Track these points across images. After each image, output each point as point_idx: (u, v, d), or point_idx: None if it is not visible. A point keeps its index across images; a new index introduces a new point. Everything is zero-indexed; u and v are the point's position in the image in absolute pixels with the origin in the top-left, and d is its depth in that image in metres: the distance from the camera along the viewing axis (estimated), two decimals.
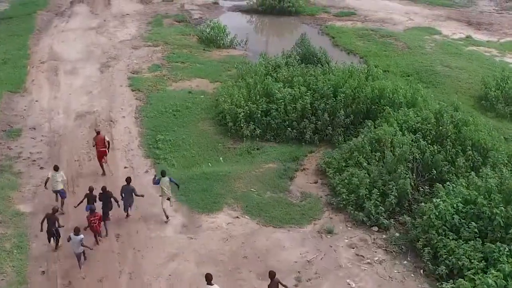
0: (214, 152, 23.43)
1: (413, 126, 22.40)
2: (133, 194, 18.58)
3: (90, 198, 18.10)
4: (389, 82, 26.25)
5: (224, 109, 25.36)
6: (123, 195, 18.53)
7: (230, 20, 40.29)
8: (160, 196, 19.04)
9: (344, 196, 19.90)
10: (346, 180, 20.39)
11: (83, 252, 16.70)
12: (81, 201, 18.14)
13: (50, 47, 33.60)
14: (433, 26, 40.03)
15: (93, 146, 21.28)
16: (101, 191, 18.19)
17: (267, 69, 28.74)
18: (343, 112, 24.18)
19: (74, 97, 27.24)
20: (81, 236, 16.39)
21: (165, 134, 24.11)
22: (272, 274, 15.01)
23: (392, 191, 19.39)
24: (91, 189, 18.31)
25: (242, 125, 24.45)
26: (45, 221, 17.02)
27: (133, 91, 28.11)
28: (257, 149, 23.69)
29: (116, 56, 32.54)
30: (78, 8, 41.65)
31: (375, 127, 23.17)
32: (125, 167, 21.80)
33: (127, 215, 18.93)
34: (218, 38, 35.25)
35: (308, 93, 24.91)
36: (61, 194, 19.08)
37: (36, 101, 26.79)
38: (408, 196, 19.74)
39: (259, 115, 24.57)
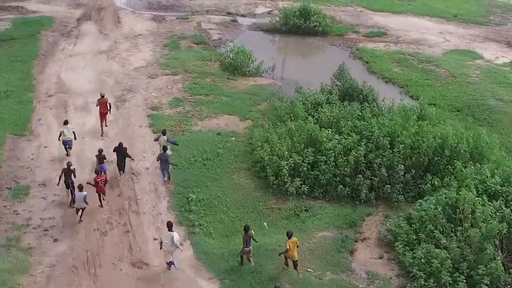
0: (256, 215, 20.08)
1: (492, 188, 19.14)
2: (168, 161, 21.00)
3: (100, 158, 20.65)
4: (450, 127, 22.99)
5: (263, 159, 22.01)
6: (159, 161, 21.04)
7: (252, 41, 36.93)
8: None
9: (422, 282, 16.56)
10: (422, 260, 17.06)
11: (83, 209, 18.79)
12: (96, 163, 20.73)
13: (58, 76, 30.04)
14: (473, 49, 36.76)
15: (97, 106, 24.40)
16: (117, 145, 21.22)
17: (306, 106, 25.45)
18: (402, 166, 20.89)
19: (88, 141, 23.75)
20: (85, 193, 18.61)
21: (197, 192, 20.72)
22: (246, 228, 17.05)
23: (482, 279, 16.11)
24: (100, 151, 20.76)
25: (286, 180, 21.11)
26: (62, 175, 19.49)
27: (154, 133, 24.66)
28: (306, 210, 20.37)
29: (132, 87, 29.04)
30: (86, 27, 38.07)
31: (442, 186, 20.01)
32: (154, 239, 18.34)
33: (165, 181, 21.09)
34: (243, 64, 31.84)
35: (361, 142, 21.61)
36: (68, 144, 22.26)
37: (45, 147, 23.27)
38: (500, 283, 16.49)
39: (305, 168, 21.25)
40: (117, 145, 21.22)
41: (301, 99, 26.04)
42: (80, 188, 18.58)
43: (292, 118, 24.52)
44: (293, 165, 21.33)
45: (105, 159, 20.75)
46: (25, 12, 40.18)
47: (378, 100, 26.23)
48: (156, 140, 22.35)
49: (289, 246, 16.58)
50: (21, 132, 24.24)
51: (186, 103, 27.63)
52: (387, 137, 21.70)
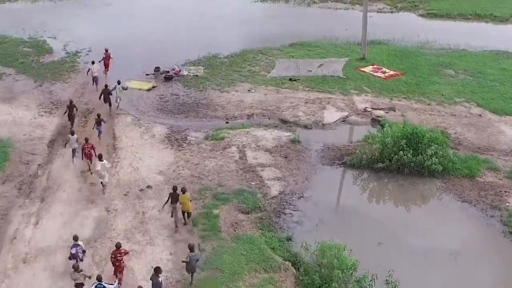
0: None
1: None
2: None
3: (98, 121, 24.69)
4: None
5: None
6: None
7: (331, 192, 22.70)
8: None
9: None
10: None
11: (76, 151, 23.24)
12: (94, 125, 24.75)
13: None
14: None
15: (102, 59, 31.43)
16: (103, 88, 27.35)
17: None
18: None
19: None
20: (76, 136, 23.32)
21: None
22: (174, 188, 19.96)
23: None
24: (99, 115, 24.85)
25: None
26: (67, 109, 25.61)
27: None
28: None
29: None
30: (59, 165, 23.33)
31: None
32: None
33: None
34: (341, 283, 17.29)
35: None
36: (96, 80, 30.25)
37: None
38: None
39: None
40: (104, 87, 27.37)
41: None
42: (72, 132, 23.43)
43: None
44: None
45: (103, 121, 24.88)
46: None
47: None
48: (114, 89, 27.95)
49: (184, 200, 19.71)
50: None
51: None
52: None
